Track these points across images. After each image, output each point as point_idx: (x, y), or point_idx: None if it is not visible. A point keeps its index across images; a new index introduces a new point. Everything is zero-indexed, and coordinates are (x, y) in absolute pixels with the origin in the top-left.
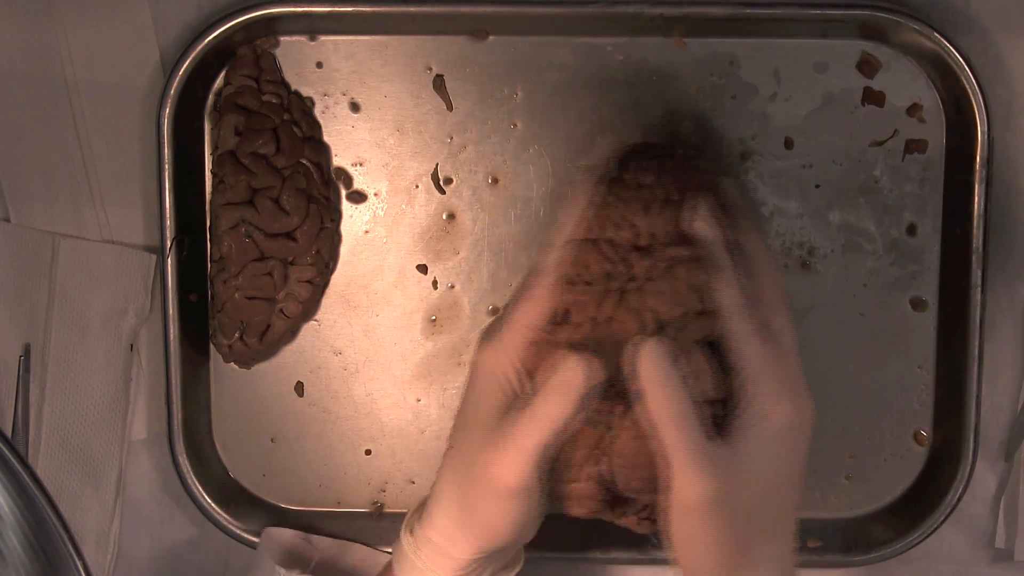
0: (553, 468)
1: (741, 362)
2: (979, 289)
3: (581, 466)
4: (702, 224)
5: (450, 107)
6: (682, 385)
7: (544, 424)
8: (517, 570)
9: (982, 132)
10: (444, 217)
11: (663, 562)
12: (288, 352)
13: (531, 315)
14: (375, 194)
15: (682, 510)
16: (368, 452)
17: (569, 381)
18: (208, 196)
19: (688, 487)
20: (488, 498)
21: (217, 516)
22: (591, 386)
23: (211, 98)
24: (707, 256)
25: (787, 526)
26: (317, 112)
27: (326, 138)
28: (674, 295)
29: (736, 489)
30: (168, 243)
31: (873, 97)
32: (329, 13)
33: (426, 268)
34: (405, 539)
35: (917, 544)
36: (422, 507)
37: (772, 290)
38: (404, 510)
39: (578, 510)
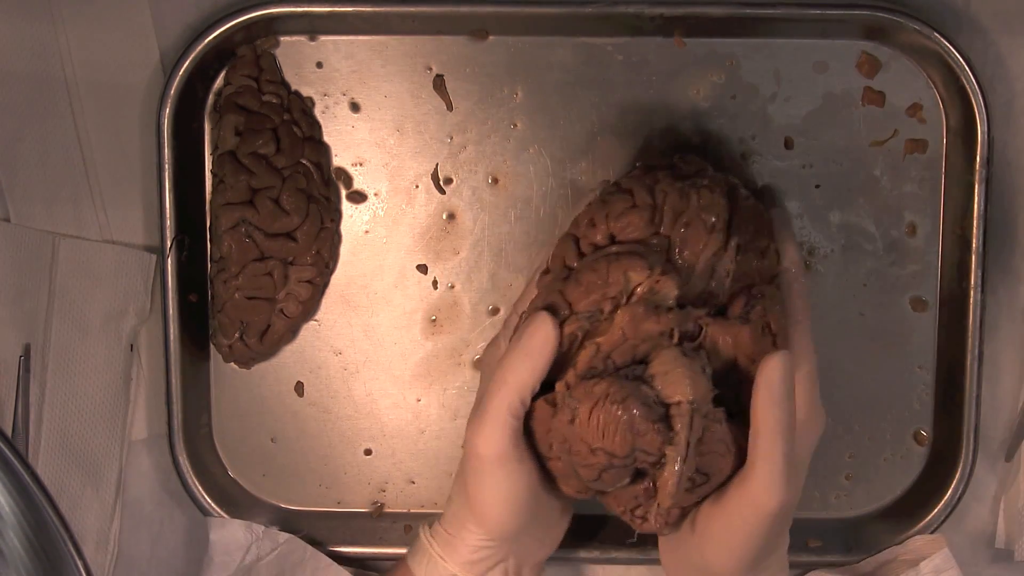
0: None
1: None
2: (979, 289)
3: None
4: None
5: (450, 107)
6: (792, 400)
7: (510, 387)
8: None
9: (982, 132)
10: (444, 217)
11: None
12: (288, 352)
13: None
14: (375, 194)
15: (747, 511)
16: (368, 452)
17: (533, 342)
18: (208, 196)
19: (767, 493)
20: (475, 472)
21: (217, 516)
22: (553, 347)
23: (211, 98)
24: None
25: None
26: (317, 112)
27: (326, 138)
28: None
29: (793, 503)
30: (168, 243)
31: (873, 97)
32: (329, 13)
33: (426, 268)
34: (423, 532)
35: None
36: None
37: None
38: (404, 510)
39: (567, 489)
